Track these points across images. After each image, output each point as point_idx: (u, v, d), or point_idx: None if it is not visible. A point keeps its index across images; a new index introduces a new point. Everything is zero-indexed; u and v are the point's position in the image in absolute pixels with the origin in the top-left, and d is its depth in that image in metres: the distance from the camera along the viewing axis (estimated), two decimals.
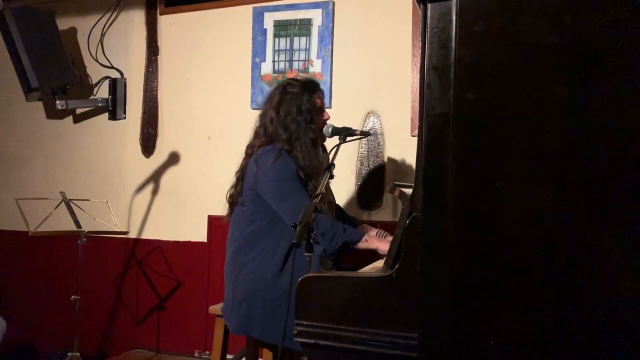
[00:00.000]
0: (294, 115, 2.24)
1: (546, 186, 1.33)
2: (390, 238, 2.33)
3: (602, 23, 1.29)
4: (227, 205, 2.35)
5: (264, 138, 2.27)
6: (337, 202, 2.58)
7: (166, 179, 3.48)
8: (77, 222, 2.96)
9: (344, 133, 2.25)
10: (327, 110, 2.42)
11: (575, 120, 1.32)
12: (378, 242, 2.19)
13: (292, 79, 2.39)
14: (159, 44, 3.52)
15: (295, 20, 3.15)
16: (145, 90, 3.53)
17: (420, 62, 1.43)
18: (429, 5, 1.39)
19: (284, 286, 2.09)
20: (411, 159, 2.89)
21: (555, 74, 1.33)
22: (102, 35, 3.61)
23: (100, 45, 3.62)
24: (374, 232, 2.47)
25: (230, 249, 2.28)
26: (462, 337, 1.36)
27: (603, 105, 1.30)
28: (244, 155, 2.35)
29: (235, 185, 2.32)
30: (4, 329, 2.94)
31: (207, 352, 3.24)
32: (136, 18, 3.56)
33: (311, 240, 1.67)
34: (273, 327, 2.08)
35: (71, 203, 3.00)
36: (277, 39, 3.19)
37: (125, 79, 3.57)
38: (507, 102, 1.35)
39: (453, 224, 1.36)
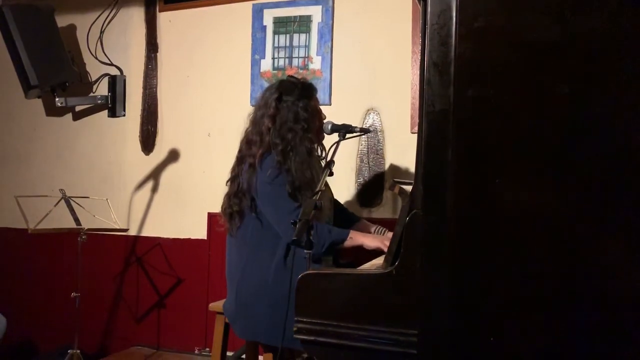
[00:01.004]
0: (291, 124, 2.19)
1: (547, 183, 1.33)
2: (390, 234, 2.33)
3: (602, 19, 1.29)
4: (230, 217, 2.24)
5: (262, 149, 2.19)
6: (337, 199, 2.57)
7: (166, 176, 3.48)
8: (76, 220, 2.95)
9: (344, 130, 2.25)
10: (327, 107, 2.41)
11: (576, 117, 1.31)
12: (363, 237, 2.16)
13: (287, 82, 2.29)
14: (158, 41, 3.51)
15: (295, 17, 3.14)
16: (145, 88, 3.53)
17: (420, 59, 1.43)
18: (429, 2, 1.38)
19: (286, 286, 2.09)
20: (411, 156, 2.86)
21: (556, 70, 1.33)
22: (102, 32, 3.60)
23: (99, 42, 3.61)
24: (373, 228, 2.47)
25: (233, 249, 2.27)
26: (461, 333, 1.36)
27: (604, 102, 1.30)
28: (237, 161, 2.28)
29: (240, 198, 2.21)
30: (4, 326, 2.94)
31: (207, 349, 3.24)
32: (135, 15, 3.55)
33: (311, 238, 1.67)
34: (276, 329, 2.07)
35: (71, 200, 3.00)
36: (276, 36, 3.19)
37: (125, 76, 3.57)
38: (507, 98, 1.35)
39: (453, 221, 1.36)
